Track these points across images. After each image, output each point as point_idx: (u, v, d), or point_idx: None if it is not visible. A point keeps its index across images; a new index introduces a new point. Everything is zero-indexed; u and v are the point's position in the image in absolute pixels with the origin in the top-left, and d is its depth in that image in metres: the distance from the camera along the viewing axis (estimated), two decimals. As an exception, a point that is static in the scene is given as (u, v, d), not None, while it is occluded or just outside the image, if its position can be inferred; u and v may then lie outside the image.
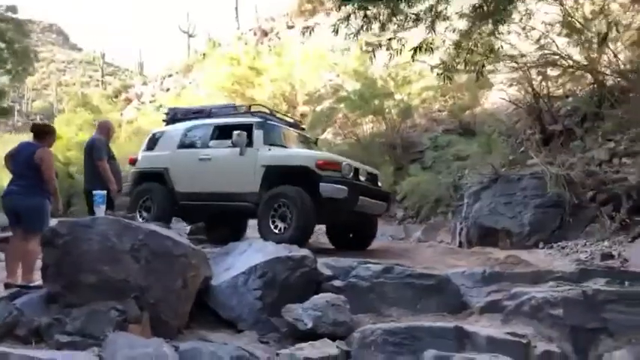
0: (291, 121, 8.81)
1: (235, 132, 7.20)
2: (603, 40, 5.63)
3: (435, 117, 12.02)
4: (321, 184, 6.65)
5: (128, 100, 35.54)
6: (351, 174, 6.91)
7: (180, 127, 8.27)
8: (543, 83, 9.34)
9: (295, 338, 4.68)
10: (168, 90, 32.77)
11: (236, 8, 37.29)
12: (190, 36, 42.63)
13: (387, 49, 6.31)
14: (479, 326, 4.52)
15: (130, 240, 4.36)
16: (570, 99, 9.59)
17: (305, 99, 16.34)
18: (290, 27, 28.56)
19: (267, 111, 8.22)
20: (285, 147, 7.60)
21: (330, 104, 12.66)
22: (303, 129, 9.10)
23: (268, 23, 30.88)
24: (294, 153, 7.51)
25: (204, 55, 33.56)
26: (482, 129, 10.33)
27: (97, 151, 6.25)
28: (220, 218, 8.28)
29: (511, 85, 10.45)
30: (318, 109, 14.48)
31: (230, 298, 5.10)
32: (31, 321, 4.11)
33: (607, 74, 7.33)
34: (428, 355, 3.89)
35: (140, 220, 7.18)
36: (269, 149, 7.27)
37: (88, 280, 4.22)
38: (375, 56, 6.75)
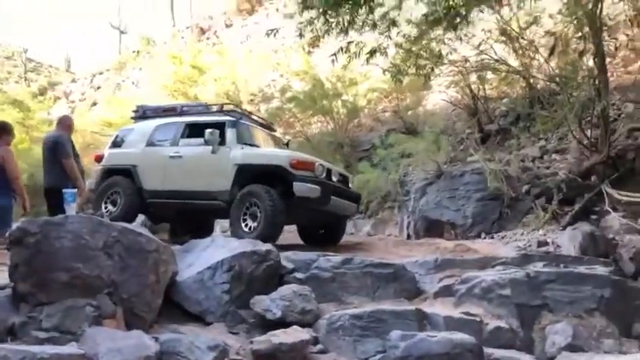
0: (263, 121, 8.85)
1: (208, 130, 7.18)
2: (551, 52, 6.21)
3: (380, 117, 12.53)
4: (295, 183, 6.71)
5: (56, 99, 33.99)
6: (324, 174, 6.99)
7: (150, 124, 8.16)
8: (480, 86, 10.02)
9: (263, 328, 4.89)
10: (99, 88, 31.63)
11: (171, 5, 36.65)
12: (122, 32, 41.41)
13: (346, 52, 6.63)
14: (435, 309, 4.92)
15: (102, 237, 4.42)
16: (505, 100, 10.35)
17: (250, 98, 16.44)
18: (228, 26, 28.46)
19: (240, 110, 8.25)
20: (258, 146, 7.64)
21: (279, 104, 12.86)
22: (274, 130, 9.17)
23: (206, 21, 30.58)
24: (268, 152, 7.56)
25: (137, 52, 32.73)
26: (425, 129, 10.91)
27: (62, 148, 6.11)
28: (187, 218, 8.22)
29: (449, 87, 11.11)
30: (263, 108, 14.63)
31: (197, 293, 5.23)
32: (2, 320, 4.10)
33: (539, 78, 8.00)
34: (394, 336, 4.22)
35: (105, 214, 7.09)
36: (242, 148, 7.29)
37: (60, 278, 4.23)
38: (337, 60, 7.04)
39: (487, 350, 4.13)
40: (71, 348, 3.59)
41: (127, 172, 7.83)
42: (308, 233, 8.10)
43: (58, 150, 6.15)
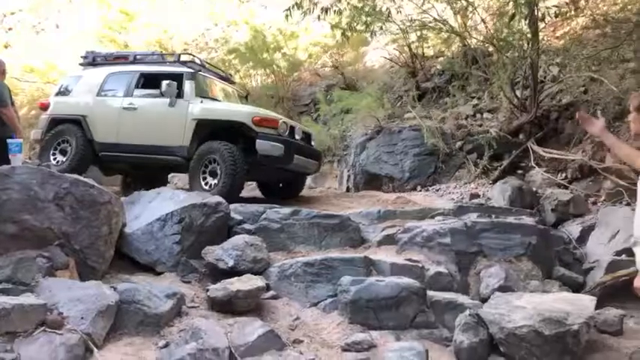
0: (223, 74, 8.52)
1: (165, 82, 6.85)
2: (511, 18, 6.43)
3: (319, 72, 12.59)
4: (257, 140, 6.54)
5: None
6: (287, 132, 6.85)
7: (100, 72, 7.72)
8: (419, 45, 10.30)
9: (215, 277, 5.03)
10: (10, 29, 29.13)
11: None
12: (37, -31, 38.01)
13: (299, 8, 6.59)
14: (379, 256, 5.24)
15: (53, 189, 4.32)
16: (441, 60, 10.71)
17: (183, 48, 15.88)
18: (159, -31, 26.89)
19: (198, 61, 7.88)
20: (217, 100, 7.40)
21: (217, 54, 12.55)
22: (233, 82, 8.87)
23: (134, -37, 28.68)
24: (229, 108, 7.29)
25: (55, -9, 30.31)
26: (364, 85, 11.13)
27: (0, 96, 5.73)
28: (141, 171, 7.93)
29: (387, 45, 11.31)
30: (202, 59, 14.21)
31: (147, 244, 5.25)
32: (-54, 273, 3.99)
33: (476, 39, 8.36)
34: (345, 281, 4.49)
35: (54, 163, 6.78)
36: (201, 102, 7.02)
37: (8, 230, 4.13)
38: (291, 15, 6.96)
39: (429, 293, 4.50)
40: (31, 298, 3.57)
41: (77, 123, 7.44)
42: (267, 188, 8.06)
43: None
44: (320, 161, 8.04)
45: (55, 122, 7.61)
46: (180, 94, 6.99)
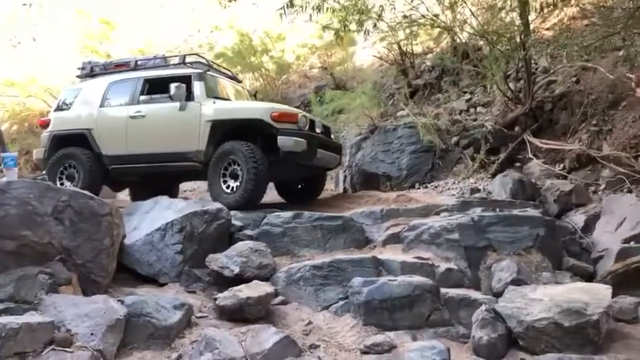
0: (229, 73, 8.17)
1: (173, 85, 6.51)
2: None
3: (308, 74, 12.50)
4: (279, 137, 6.21)
5: None
6: (308, 126, 6.51)
7: (101, 82, 7.40)
8: (408, 42, 10.26)
9: (220, 285, 4.93)
10: (-19, 47, 28.58)
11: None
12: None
13: (291, 7, 6.49)
14: (387, 255, 5.16)
15: (51, 202, 4.20)
16: (430, 56, 10.68)
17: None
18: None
19: (205, 61, 7.55)
20: (229, 100, 7.11)
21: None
22: (240, 81, 8.54)
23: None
24: (245, 105, 7.00)
25: (29, 5, 29.87)
26: (354, 85, 11.06)
27: None
28: (152, 181, 7.53)
29: (375, 43, 11.26)
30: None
31: (148, 255, 5.15)
32: (-54, 294, 3.83)
33: (468, 32, 8.33)
34: (356, 282, 4.41)
35: None
36: (213, 102, 6.66)
37: (7, 247, 3.99)
38: (286, 14, 6.84)
39: (442, 290, 4.43)
40: (37, 317, 3.44)
41: (82, 138, 7.10)
42: (286, 190, 7.74)
43: None
44: (341, 154, 7.71)
45: (59, 139, 7.28)
46: (190, 97, 6.69)
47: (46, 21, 22.81)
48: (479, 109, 8.79)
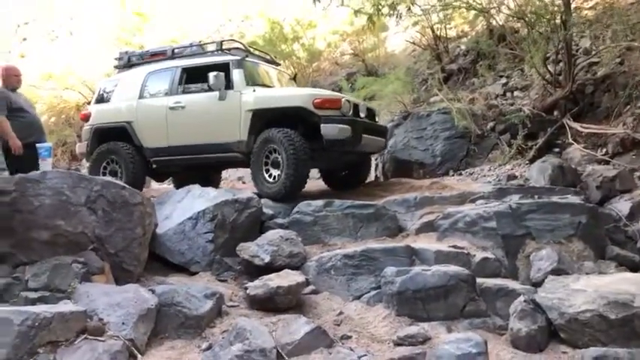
0: (268, 57, 7.91)
1: (212, 74, 6.32)
2: None
3: (339, 61, 12.35)
4: (322, 125, 5.99)
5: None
6: (351, 111, 6.26)
7: (139, 72, 7.33)
8: (442, 26, 10.00)
9: (251, 274, 4.91)
10: (25, 39, 29.28)
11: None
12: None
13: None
14: (420, 244, 5.01)
15: (84, 192, 4.23)
16: (464, 40, 10.39)
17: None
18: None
19: (243, 47, 7.34)
20: (270, 87, 6.94)
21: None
22: (278, 64, 8.24)
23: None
24: (286, 93, 6.77)
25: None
26: (385, 70, 10.86)
27: None
28: (195, 171, 7.45)
29: (407, 29, 11.03)
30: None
31: (179, 244, 5.16)
32: (-19, 283, 3.90)
33: (505, 14, 8.03)
34: (389, 272, 4.29)
35: None
36: (253, 90, 6.46)
37: (42, 237, 4.05)
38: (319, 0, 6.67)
39: (478, 280, 4.26)
40: (70, 306, 3.47)
41: (122, 131, 7.07)
42: (331, 177, 7.56)
43: None
44: (386, 138, 7.40)
45: (100, 133, 7.28)
46: (229, 85, 6.50)
47: (81, 14, 23.25)
48: (516, 93, 8.50)
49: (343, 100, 6.27)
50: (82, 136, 7.63)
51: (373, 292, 4.43)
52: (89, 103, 8.58)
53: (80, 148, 7.60)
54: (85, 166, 9.86)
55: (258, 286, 4.30)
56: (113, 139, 7.10)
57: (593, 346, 3.54)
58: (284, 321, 3.90)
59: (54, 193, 4.10)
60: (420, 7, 8.13)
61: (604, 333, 3.58)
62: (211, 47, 7.35)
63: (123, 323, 3.44)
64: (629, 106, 7.09)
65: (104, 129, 7.28)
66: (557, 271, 4.31)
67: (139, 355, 3.32)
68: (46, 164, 4.41)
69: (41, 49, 22.43)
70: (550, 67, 7.86)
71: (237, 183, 9.41)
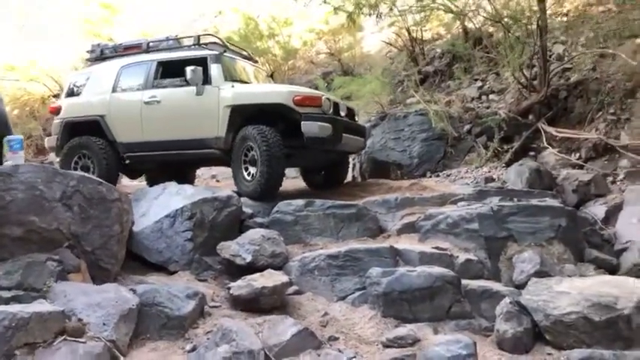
0: (245, 53, 7.80)
1: (189, 68, 6.18)
2: None
3: (314, 59, 12.29)
4: (303, 122, 5.90)
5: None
6: (332, 109, 6.18)
7: (112, 66, 7.10)
8: (417, 28, 10.05)
9: (231, 274, 4.79)
10: (-17, 31, 28.18)
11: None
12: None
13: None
14: (402, 245, 4.99)
15: (60, 187, 4.03)
16: (439, 42, 10.48)
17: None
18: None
19: (221, 42, 7.19)
20: (248, 83, 6.81)
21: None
22: (256, 61, 8.17)
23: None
24: (265, 89, 6.67)
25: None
26: (361, 71, 10.87)
27: None
28: (170, 168, 7.28)
29: (382, 29, 11.06)
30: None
31: (157, 242, 5.00)
32: (-51, 281, 3.67)
33: (483, 17, 8.12)
34: (374, 273, 4.24)
35: None
36: (232, 86, 6.35)
37: (14, 233, 3.83)
38: None
39: (462, 282, 4.27)
40: (47, 305, 3.29)
41: (95, 125, 6.84)
42: (311, 175, 7.50)
43: None
44: (365, 137, 7.38)
45: (70, 126, 7.03)
46: (207, 80, 6.37)
47: (47, 5, 22.51)
48: (491, 96, 8.62)
49: (324, 97, 6.20)
50: (52, 130, 7.36)
51: (358, 293, 4.38)
52: (56, 96, 8.29)
53: (50, 142, 7.32)
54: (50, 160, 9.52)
55: (241, 286, 4.19)
56: (85, 134, 6.87)
57: (578, 348, 3.57)
58: (270, 322, 3.81)
59: (27, 187, 3.89)
60: (397, 8, 8.13)
61: (588, 335, 3.62)
62: (188, 41, 7.17)
63: (104, 324, 3.29)
64: (601, 112, 7.27)
65: (75, 123, 7.03)
66: (539, 274, 4.35)
67: (121, 357, 3.18)
68: (17, 157, 4.17)
69: (7, 40, 21.61)
70: (525, 72, 8.00)
71: (211, 181, 9.26)
